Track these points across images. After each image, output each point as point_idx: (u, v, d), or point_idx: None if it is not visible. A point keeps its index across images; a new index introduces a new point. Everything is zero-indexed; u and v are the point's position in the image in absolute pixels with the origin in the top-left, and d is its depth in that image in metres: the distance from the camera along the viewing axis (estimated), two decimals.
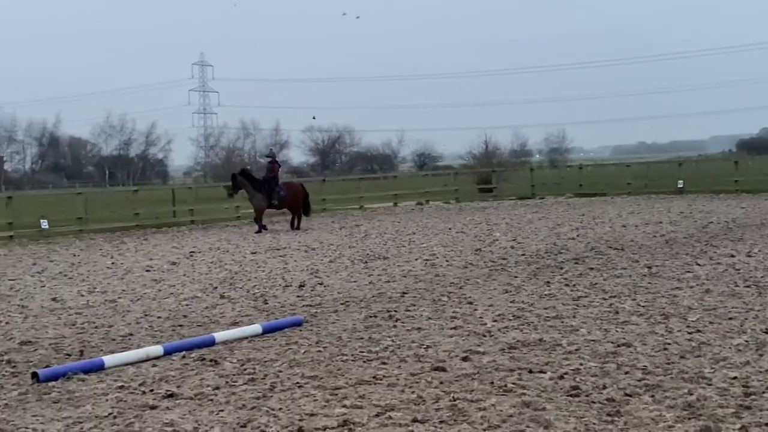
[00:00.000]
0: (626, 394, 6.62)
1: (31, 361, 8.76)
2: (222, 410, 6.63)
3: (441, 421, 6.13)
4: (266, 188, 26.06)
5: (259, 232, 25.48)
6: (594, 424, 5.93)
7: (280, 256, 18.50)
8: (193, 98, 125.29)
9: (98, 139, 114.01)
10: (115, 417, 6.56)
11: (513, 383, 7.08)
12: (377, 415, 6.32)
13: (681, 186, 37.54)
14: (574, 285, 12.39)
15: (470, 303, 11.22)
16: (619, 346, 8.31)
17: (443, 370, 7.63)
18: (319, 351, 8.64)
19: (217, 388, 7.33)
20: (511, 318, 10.05)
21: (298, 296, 12.51)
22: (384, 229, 25.03)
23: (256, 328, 9.77)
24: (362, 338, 9.21)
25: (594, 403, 6.45)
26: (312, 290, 13.06)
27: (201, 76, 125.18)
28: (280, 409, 6.59)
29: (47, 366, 8.39)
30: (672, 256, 15.46)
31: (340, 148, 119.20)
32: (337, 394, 6.96)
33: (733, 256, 14.98)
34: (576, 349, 8.24)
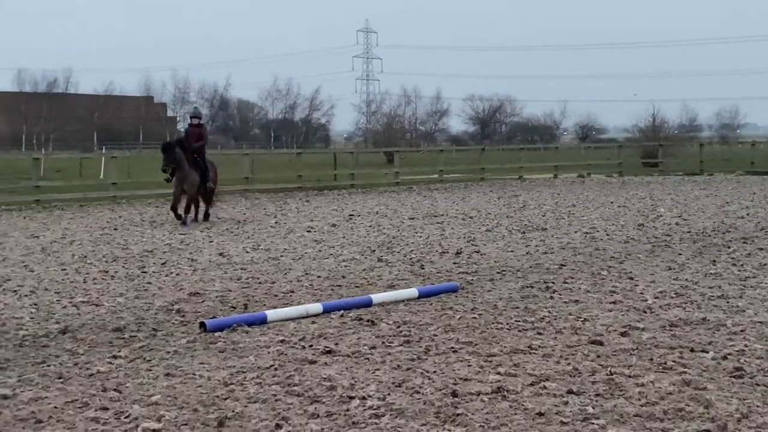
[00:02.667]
0: None
1: (199, 312, 9.20)
2: (378, 369, 6.78)
3: (597, 394, 6.05)
4: (202, 165, 19.06)
5: (184, 223, 18.38)
6: (757, 406, 5.72)
7: (438, 223, 18.60)
8: (357, 65, 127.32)
9: (265, 103, 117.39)
10: (276, 369, 6.82)
11: (673, 361, 6.91)
12: (531, 384, 6.31)
13: None
14: (742, 265, 11.91)
15: (631, 278, 10.97)
16: None
17: (600, 343, 7.52)
18: (474, 318, 8.68)
19: (374, 347, 7.49)
20: (674, 295, 9.77)
21: (455, 263, 12.56)
22: (543, 201, 24.73)
23: (413, 291, 9.89)
24: (518, 308, 9.18)
25: (758, 385, 6.21)
26: (468, 258, 13.08)
27: (365, 42, 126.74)
28: (435, 372, 6.68)
29: (214, 317, 8.80)
30: None
31: (500, 118, 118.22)
32: (491, 361, 6.98)
33: None
34: (741, 330, 7.94)
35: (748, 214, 19.31)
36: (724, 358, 6.96)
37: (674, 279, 10.87)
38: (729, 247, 13.80)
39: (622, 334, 7.86)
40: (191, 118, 20.16)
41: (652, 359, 6.99)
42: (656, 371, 6.64)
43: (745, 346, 7.34)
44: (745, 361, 6.86)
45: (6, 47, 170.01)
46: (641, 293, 9.92)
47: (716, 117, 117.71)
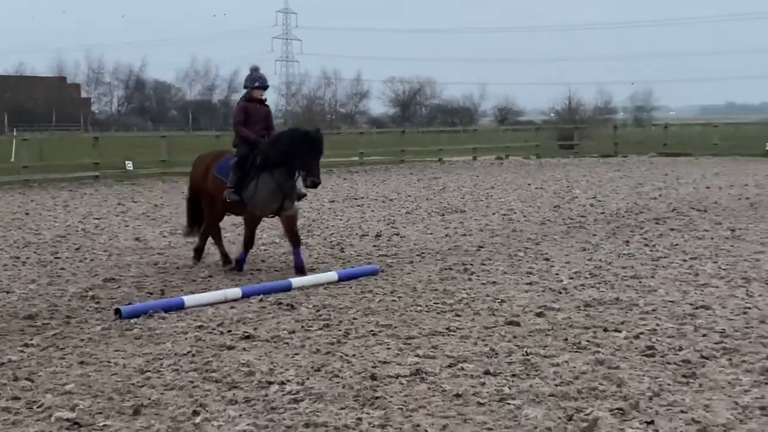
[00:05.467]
0: (702, 357, 6.53)
1: (114, 298, 9.04)
2: (297, 354, 6.76)
3: (513, 375, 6.14)
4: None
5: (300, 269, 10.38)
6: (668, 384, 5.88)
7: (358, 205, 18.61)
8: (276, 46, 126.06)
9: (182, 84, 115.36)
10: (193, 355, 6.75)
11: (587, 341, 7.05)
12: (449, 366, 6.37)
13: None
14: (654, 245, 12.21)
15: (547, 259, 11.15)
16: (697, 308, 8.18)
17: (517, 324, 7.64)
18: (394, 300, 8.72)
19: (293, 332, 7.47)
20: (588, 276, 9.96)
21: (375, 246, 12.59)
22: (462, 183, 24.94)
23: (332, 275, 9.89)
24: (437, 290, 9.25)
25: (669, 364, 6.39)
26: (388, 240, 13.13)
27: (284, 23, 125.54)
28: (354, 355, 6.69)
29: (130, 303, 8.65)
30: (756, 219, 15.09)
31: (420, 100, 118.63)
32: (410, 344, 7.03)
33: None
34: (653, 310, 8.15)
35: (660, 195, 19.79)
36: (636, 337, 7.14)
37: (588, 259, 11.09)
38: (642, 228, 14.13)
39: (538, 315, 8.00)
40: (254, 89, 10.99)
41: (566, 339, 7.12)
42: (571, 351, 6.77)
43: (657, 325, 7.54)
44: (656, 340, 7.04)
45: None
46: (557, 274, 10.09)
47: (630, 99, 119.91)
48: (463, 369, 6.29)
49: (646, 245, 12.23)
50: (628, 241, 12.61)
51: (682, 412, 5.34)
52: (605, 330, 7.42)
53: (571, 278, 9.83)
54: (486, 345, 6.96)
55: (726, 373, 6.12)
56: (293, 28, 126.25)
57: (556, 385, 5.89)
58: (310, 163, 10.29)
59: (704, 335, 7.18)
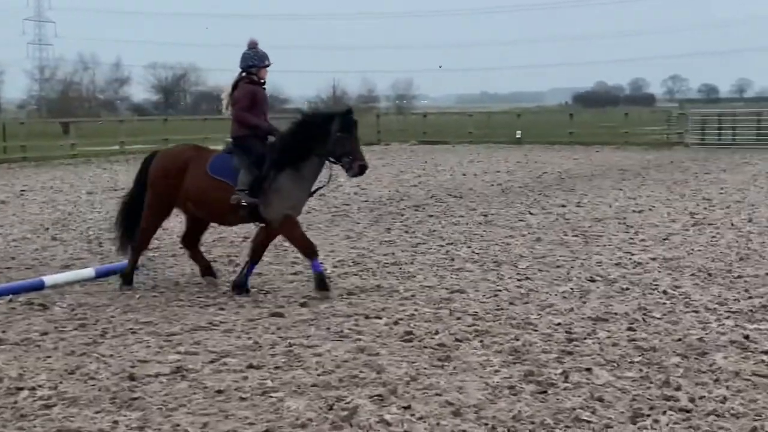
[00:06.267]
0: (457, 340, 6.84)
1: None
2: (49, 356, 6.45)
3: (276, 367, 6.17)
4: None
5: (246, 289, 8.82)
6: (424, 368, 6.11)
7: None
8: (28, 28, 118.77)
9: None
10: None
11: (349, 329, 7.20)
12: (212, 362, 6.30)
13: (519, 136, 38.63)
14: (414, 232, 12.63)
15: None
16: (452, 292, 8.56)
17: (281, 315, 7.67)
18: (155, 296, 8.52)
19: (45, 333, 7.11)
20: (351, 264, 10.16)
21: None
22: None
23: (89, 271, 9.51)
24: (200, 283, 9.12)
25: (426, 348, 6.64)
26: None
27: (36, 4, 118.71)
28: (111, 355, 6.47)
29: None
30: (507, 204, 15.97)
31: (184, 87, 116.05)
32: (171, 341, 6.89)
33: (563, 206, 15.61)
34: (412, 296, 8.43)
35: (420, 183, 20.51)
36: (396, 323, 7.37)
37: (352, 248, 11.31)
38: (402, 215, 14.59)
39: (302, 305, 8.08)
40: (263, 67, 9.33)
41: (329, 328, 7.23)
42: (333, 340, 6.89)
43: (415, 310, 7.81)
44: (414, 325, 7.30)
45: None
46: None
47: (392, 88, 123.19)
48: (225, 364, 6.24)
49: (407, 232, 12.64)
50: (389, 229, 12.98)
51: (437, 394, 5.57)
52: (366, 317, 7.60)
53: (335, 267, 9.99)
54: (250, 338, 6.94)
55: (478, 354, 6.45)
56: (46, 10, 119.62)
57: (318, 375, 5.97)
58: (353, 147, 8.71)
59: (459, 318, 7.52)
